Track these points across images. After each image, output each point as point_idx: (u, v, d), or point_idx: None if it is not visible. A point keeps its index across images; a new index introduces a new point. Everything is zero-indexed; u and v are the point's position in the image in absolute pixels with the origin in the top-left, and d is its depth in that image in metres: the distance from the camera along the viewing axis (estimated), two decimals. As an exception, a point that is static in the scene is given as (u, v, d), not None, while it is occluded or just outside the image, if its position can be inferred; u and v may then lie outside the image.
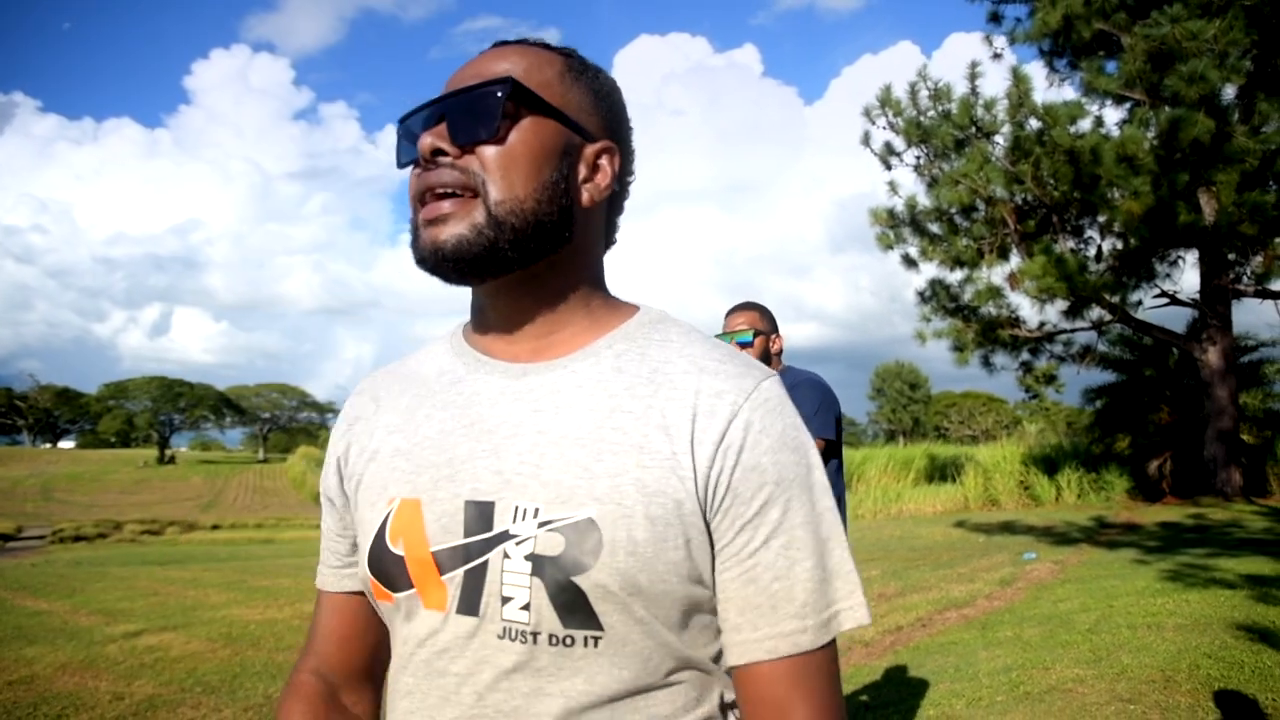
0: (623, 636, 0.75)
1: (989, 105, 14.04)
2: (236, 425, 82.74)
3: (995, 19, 15.27)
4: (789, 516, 0.78)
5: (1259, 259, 13.68)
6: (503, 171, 0.79)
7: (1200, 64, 11.46)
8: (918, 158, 15.08)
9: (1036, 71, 19.20)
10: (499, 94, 0.79)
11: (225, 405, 77.61)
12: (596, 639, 0.75)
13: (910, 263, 15.24)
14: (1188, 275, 14.84)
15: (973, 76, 14.18)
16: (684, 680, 0.80)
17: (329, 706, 0.92)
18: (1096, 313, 14.50)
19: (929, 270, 15.33)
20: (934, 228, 15.03)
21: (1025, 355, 15.57)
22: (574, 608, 0.74)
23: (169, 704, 4.95)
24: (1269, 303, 14.64)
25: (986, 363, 15.39)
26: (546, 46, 0.87)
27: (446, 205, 0.79)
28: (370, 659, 0.94)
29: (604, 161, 0.85)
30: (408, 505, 0.81)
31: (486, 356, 0.86)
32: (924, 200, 15.00)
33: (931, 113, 14.62)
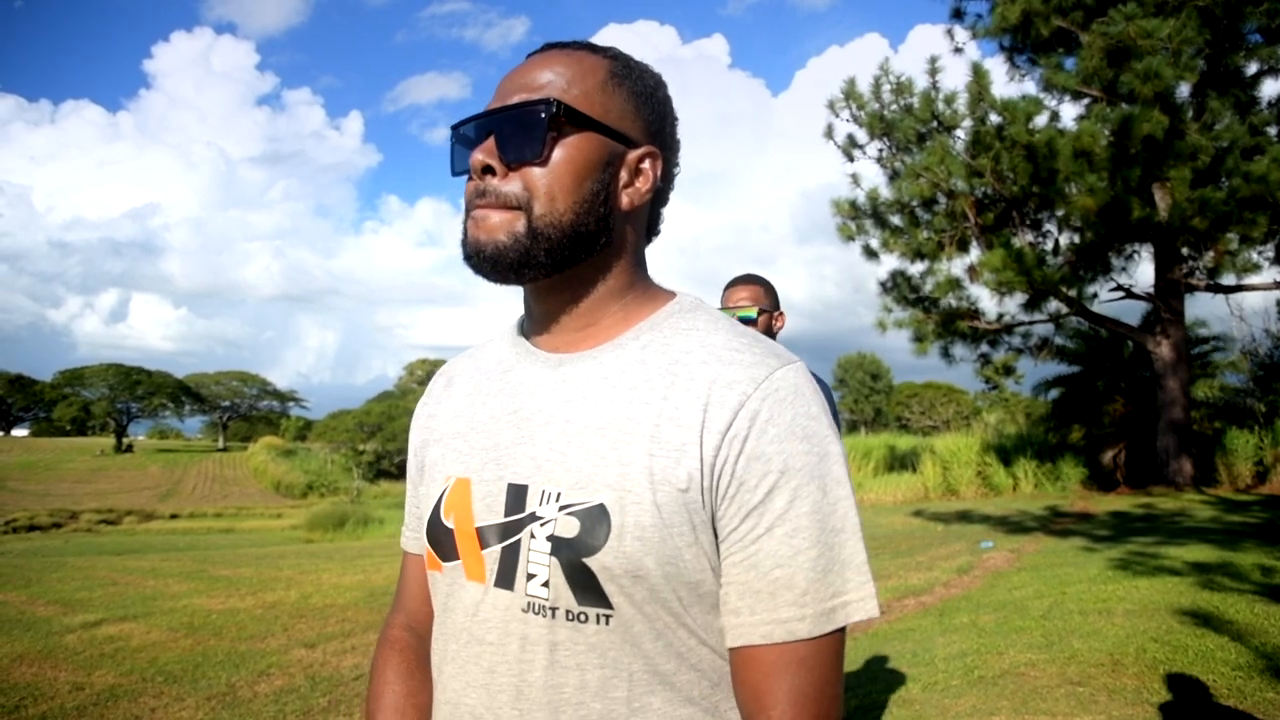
0: (628, 615, 0.79)
1: (950, 99, 14.18)
2: (196, 414, 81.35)
3: (958, 15, 15.38)
4: (795, 505, 0.79)
5: (1210, 254, 13.99)
6: (545, 190, 0.83)
7: (1155, 62, 11.66)
8: (880, 150, 15.21)
9: (997, 67, 19.42)
10: (542, 114, 0.82)
11: (184, 393, 76.16)
12: (608, 617, 0.79)
13: (871, 254, 15.36)
14: (1143, 269, 15.10)
15: (934, 71, 14.31)
16: (691, 662, 0.82)
17: (418, 657, 1.01)
18: (1054, 305, 14.71)
19: (890, 262, 15.48)
20: (895, 220, 15.14)
21: (984, 347, 15.78)
22: (586, 587, 0.79)
23: (130, 694, 4.91)
24: (1220, 296, 15.03)
25: (946, 353, 15.56)
26: (592, 49, 0.90)
27: (494, 215, 0.84)
28: None
29: (646, 166, 0.89)
30: (460, 484, 0.89)
31: (533, 348, 0.92)
32: (886, 193, 15.11)
33: (894, 106, 14.72)
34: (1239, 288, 14.69)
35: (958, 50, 15.33)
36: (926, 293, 15.30)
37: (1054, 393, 17.43)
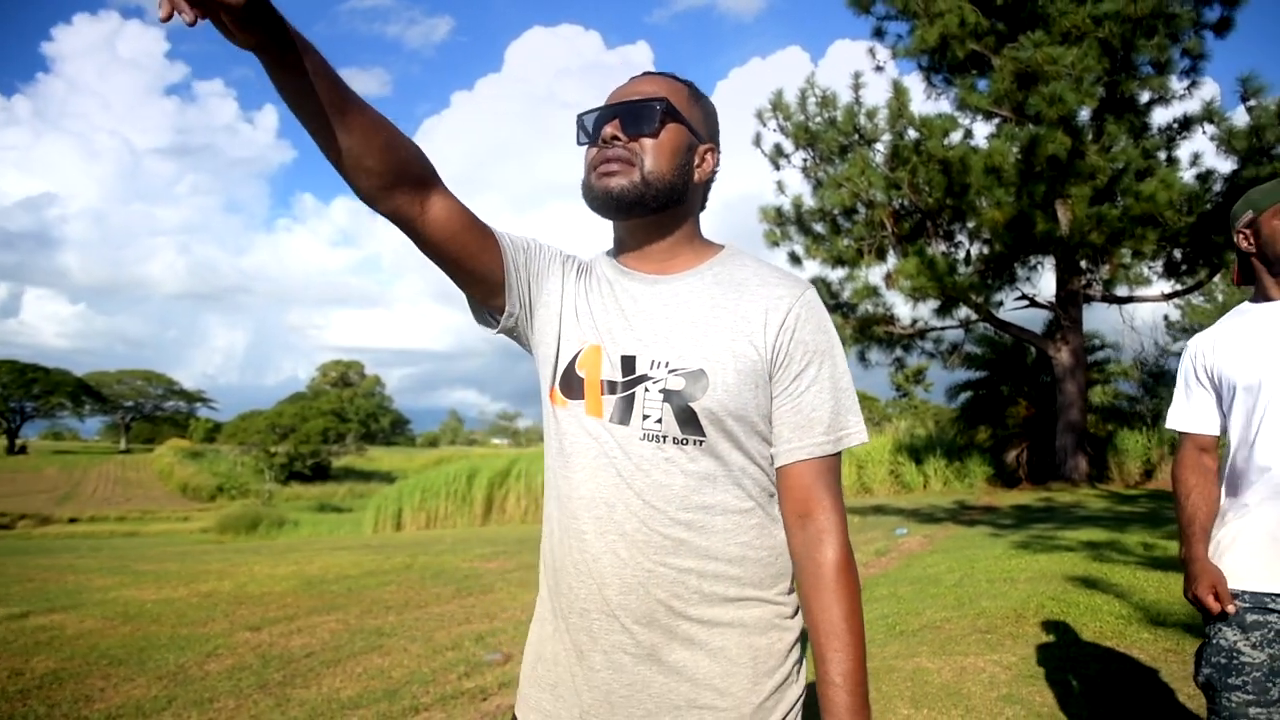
0: (715, 441, 1.23)
1: (871, 114, 14.82)
2: (96, 414, 77.67)
3: (879, 34, 15.95)
4: (822, 371, 1.26)
5: (1106, 267, 14.97)
6: (654, 155, 1.27)
7: (1059, 87, 12.47)
8: (805, 160, 15.77)
9: (915, 84, 20.20)
10: (657, 107, 1.28)
11: (85, 393, 72.56)
12: (700, 442, 1.22)
13: (795, 260, 15.91)
14: (1045, 279, 15.96)
15: (857, 87, 14.94)
16: (752, 475, 1.26)
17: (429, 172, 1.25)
18: (964, 312, 15.50)
19: (812, 268, 16.04)
20: (818, 227, 15.76)
21: (899, 352, 16.50)
22: (688, 422, 1.22)
23: (75, 676, 4.84)
24: (1115, 307, 16.06)
25: (863, 358, 16.23)
26: (675, 78, 1.36)
27: (616, 167, 1.26)
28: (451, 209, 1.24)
29: (708, 156, 1.35)
30: (593, 348, 1.29)
31: (630, 269, 1.35)
32: (809, 201, 15.72)
33: (819, 118, 15.31)
34: (1131, 299, 15.72)
35: (879, 68, 15.86)
36: (845, 299, 15.91)
37: (964, 396, 18.28)
